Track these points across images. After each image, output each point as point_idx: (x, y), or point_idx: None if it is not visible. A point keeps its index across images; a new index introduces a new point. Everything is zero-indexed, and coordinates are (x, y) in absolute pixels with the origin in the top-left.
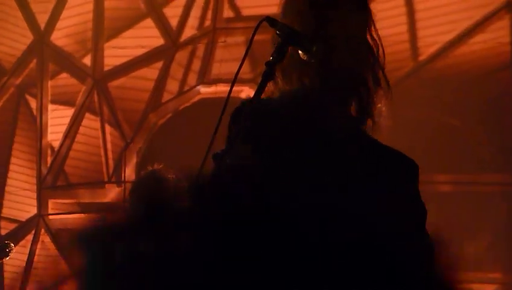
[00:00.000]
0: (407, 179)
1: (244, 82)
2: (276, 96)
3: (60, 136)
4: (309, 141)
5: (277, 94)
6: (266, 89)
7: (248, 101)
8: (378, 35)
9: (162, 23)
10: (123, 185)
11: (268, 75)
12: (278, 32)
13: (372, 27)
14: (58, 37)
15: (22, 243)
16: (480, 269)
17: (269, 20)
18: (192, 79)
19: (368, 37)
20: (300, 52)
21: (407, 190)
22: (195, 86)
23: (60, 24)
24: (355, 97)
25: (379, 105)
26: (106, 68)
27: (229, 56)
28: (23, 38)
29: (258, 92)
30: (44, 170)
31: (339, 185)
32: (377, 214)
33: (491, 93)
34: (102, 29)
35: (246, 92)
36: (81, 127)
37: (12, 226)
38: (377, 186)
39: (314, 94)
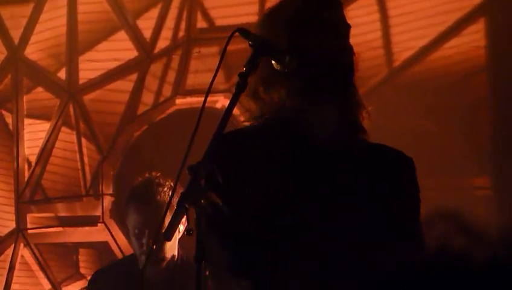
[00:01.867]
0: (406, 177)
1: (219, 92)
2: (256, 123)
3: (37, 150)
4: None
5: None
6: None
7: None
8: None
9: (135, 36)
10: (101, 198)
11: (241, 86)
12: (250, 43)
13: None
14: (32, 52)
15: (1, 257)
16: None
17: (241, 30)
18: (167, 90)
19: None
20: (273, 62)
21: (407, 189)
22: (170, 98)
23: (33, 38)
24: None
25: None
26: (81, 82)
27: (203, 67)
28: None
29: (232, 103)
30: (21, 185)
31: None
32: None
33: (468, 98)
34: (76, 42)
35: (221, 102)
36: (57, 141)
37: None
38: (378, 191)
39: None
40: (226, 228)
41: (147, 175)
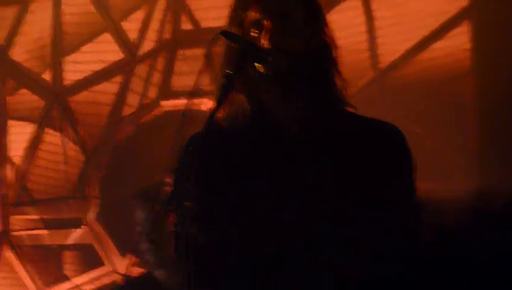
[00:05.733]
0: (393, 153)
1: (204, 94)
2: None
3: (21, 152)
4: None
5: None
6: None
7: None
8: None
9: (120, 37)
10: (86, 200)
11: (226, 88)
12: (234, 44)
13: (325, 28)
14: (17, 53)
15: None
16: None
17: (225, 33)
18: (152, 92)
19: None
20: (256, 64)
21: (394, 166)
22: (155, 99)
23: (18, 40)
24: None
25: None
26: (66, 83)
27: (188, 68)
28: None
29: (217, 105)
30: (6, 187)
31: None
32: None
33: (454, 100)
34: (61, 44)
35: (206, 103)
36: (42, 143)
37: None
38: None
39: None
40: (209, 227)
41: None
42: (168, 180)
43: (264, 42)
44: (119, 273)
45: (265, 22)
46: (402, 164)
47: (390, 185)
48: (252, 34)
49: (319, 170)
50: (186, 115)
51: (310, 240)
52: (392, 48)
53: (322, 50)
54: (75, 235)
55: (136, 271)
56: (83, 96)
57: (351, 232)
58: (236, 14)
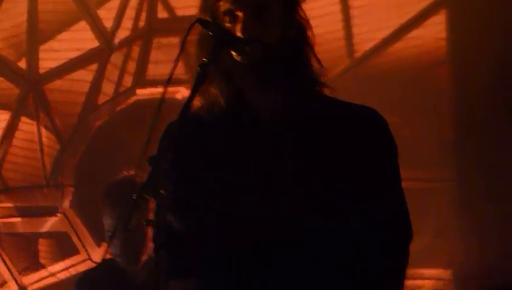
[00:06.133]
0: (373, 139)
1: (179, 83)
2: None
3: None
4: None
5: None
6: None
7: (176, 122)
8: (305, 15)
9: (96, 25)
10: (61, 188)
11: (202, 77)
12: (210, 33)
13: (299, 9)
14: None
15: None
16: (420, 265)
17: (201, 21)
18: (127, 81)
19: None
20: (233, 53)
21: (374, 153)
22: (131, 88)
23: None
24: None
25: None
26: (41, 71)
27: (164, 57)
28: None
29: (193, 94)
30: None
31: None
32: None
33: (429, 89)
34: (37, 32)
35: (182, 92)
36: (17, 131)
37: None
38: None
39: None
40: (185, 217)
41: (123, 174)
42: (141, 170)
43: (239, 34)
44: (94, 261)
45: (238, 13)
46: (387, 148)
47: (376, 171)
48: (226, 24)
49: (299, 158)
50: (162, 103)
51: (289, 229)
52: (367, 36)
53: (299, 36)
54: (50, 224)
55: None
56: (59, 84)
57: (336, 222)
58: (207, 3)
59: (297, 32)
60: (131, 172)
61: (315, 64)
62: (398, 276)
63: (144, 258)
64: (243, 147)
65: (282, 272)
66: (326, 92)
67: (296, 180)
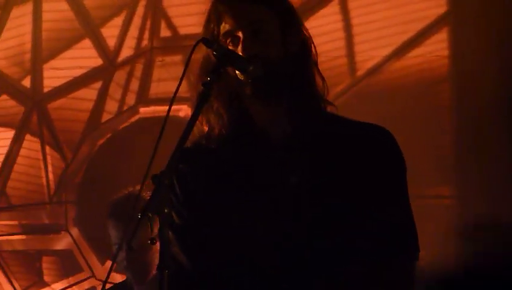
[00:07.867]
0: (380, 156)
1: (182, 101)
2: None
3: (1, 158)
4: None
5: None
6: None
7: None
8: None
9: (99, 44)
10: (64, 205)
11: (205, 96)
12: (214, 52)
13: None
14: None
15: None
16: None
17: (205, 40)
18: (130, 99)
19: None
20: (237, 72)
21: (381, 169)
22: (134, 106)
23: None
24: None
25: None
26: (45, 90)
27: (167, 75)
28: None
29: (196, 113)
30: None
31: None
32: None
33: (431, 107)
34: (41, 50)
35: (185, 110)
36: (21, 149)
37: None
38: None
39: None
40: (188, 237)
41: (128, 190)
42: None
43: (241, 53)
44: (98, 279)
45: (239, 34)
46: (397, 166)
47: (385, 189)
48: (229, 46)
49: (309, 178)
50: (166, 122)
51: (299, 250)
52: (369, 54)
53: (301, 52)
54: (53, 241)
55: (116, 277)
56: (62, 102)
57: (345, 239)
58: (209, 27)
59: (300, 48)
60: (137, 188)
61: (319, 82)
62: None
63: (151, 274)
64: (250, 165)
65: None
66: (329, 109)
67: (309, 201)
